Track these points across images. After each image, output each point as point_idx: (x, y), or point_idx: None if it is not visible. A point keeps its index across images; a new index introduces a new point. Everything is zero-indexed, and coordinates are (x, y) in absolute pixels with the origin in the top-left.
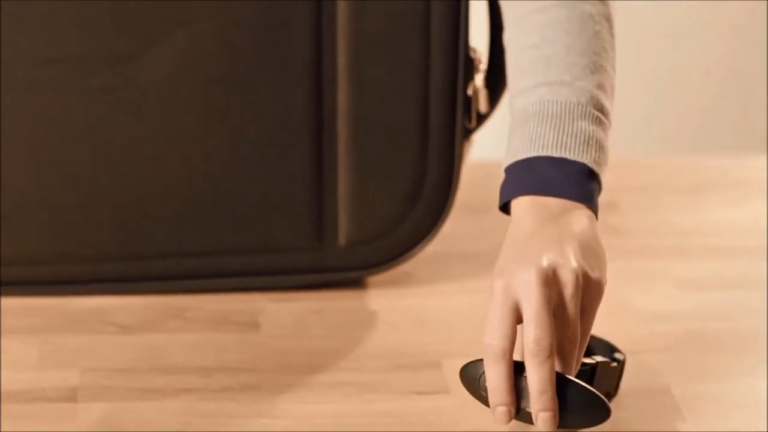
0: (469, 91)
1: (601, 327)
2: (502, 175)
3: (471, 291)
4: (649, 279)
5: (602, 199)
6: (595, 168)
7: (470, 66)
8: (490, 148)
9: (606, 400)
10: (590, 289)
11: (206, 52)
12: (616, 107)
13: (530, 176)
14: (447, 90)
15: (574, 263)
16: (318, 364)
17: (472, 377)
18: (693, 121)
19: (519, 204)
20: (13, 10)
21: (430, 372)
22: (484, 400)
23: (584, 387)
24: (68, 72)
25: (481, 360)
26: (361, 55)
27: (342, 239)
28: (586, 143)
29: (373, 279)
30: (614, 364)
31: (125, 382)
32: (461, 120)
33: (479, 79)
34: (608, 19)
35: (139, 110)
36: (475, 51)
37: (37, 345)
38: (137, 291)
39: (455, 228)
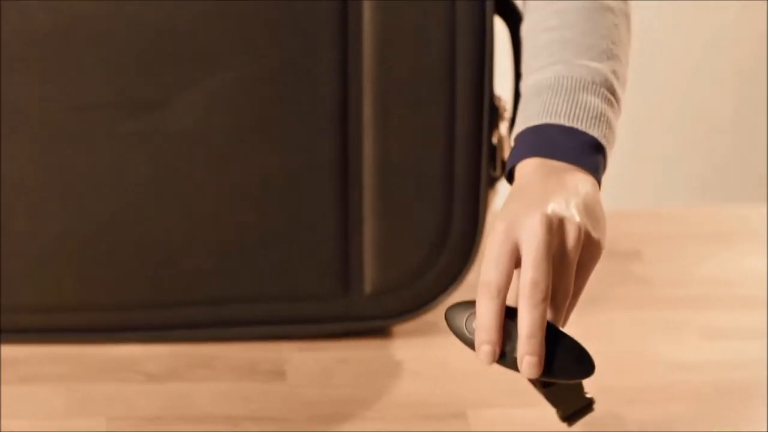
0: (494, 140)
1: (626, 376)
2: (512, 144)
3: None
4: (674, 329)
5: (626, 248)
6: (604, 143)
7: (495, 114)
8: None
9: (592, 357)
10: (590, 248)
11: (233, 99)
12: (638, 155)
13: (539, 140)
14: (472, 138)
15: (578, 218)
16: (343, 414)
17: (459, 318)
18: (716, 169)
19: (525, 165)
20: (41, 56)
21: (455, 422)
22: (469, 342)
23: (572, 340)
24: (95, 119)
25: (470, 301)
26: (387, 104)
27: (368, 288)
28: (597, 119)
29: (398, 328)
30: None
31: (152, 430)
32: (486, 168)
33: (504, 128)
34: (627, 16)
35: (167, 157)
36: (499, 99)
37: (63, 393)
38: (164, 339)
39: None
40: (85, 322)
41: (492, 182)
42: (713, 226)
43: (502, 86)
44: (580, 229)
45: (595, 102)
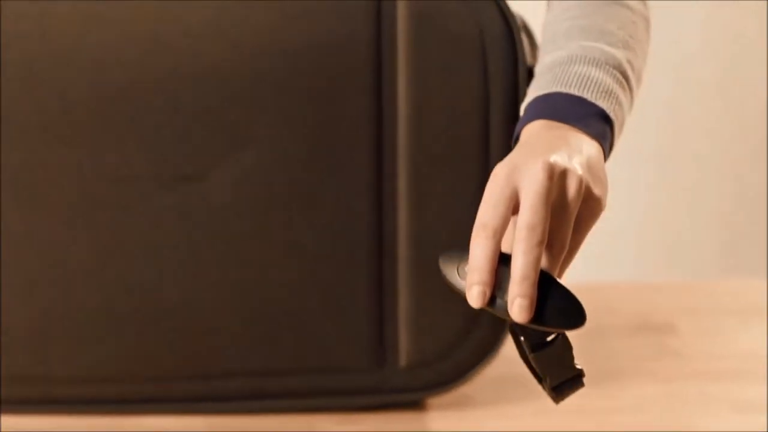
0: None
1: None
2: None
3: (532, 414)
4: (708, 402)
5: (660, 322)
6: (611, 116)
7: None
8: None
9: (584, 308)
10: (589, 203)
11: (269, 173)
12: (673, 229)
13: (547, 106)
14: None
15: (579, 171)
16: None
17: (451, 264)
18: (748, 242)
19: (531, 126)
20: (79, 127)
21: None
22: (460, 288)
23: (566, 289)
24: (133, 190)
25: (464, 250)
26: (421, 177)
27: (402, 360)
28: (606, 93)
29: (433, 400)
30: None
31: None
32: None
33: None
34: (646, 19)
35: (203, 230)
36: None
37: None
38: (198, 411)
39: (515, 349)
40: (121, 393)
41: None
42: (746, 299)
43: None
44: (581, 182)
45: (607, 79)
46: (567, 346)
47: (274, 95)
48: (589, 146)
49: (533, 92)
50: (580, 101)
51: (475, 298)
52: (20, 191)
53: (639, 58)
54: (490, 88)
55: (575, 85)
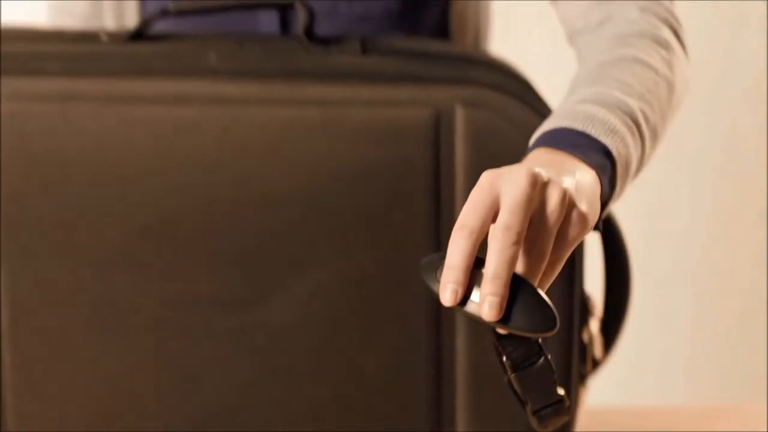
0: (585, 337)
1: None
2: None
3: None
4: None
5: None
6: (614, 153)
7: (585, 313)
8: (607, 393)
9: (557, 313)
10: (573, 217)
11: (329, 298)
12: (689, 352)
13: (551, 137)
14: (563, 336)
15: (565, 184)
16: None
17: (431, 265)
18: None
19: (531, 153)
20: (142, 251)
21: None
22: (435, 286)
23: (540, 294)
24: (196, 314)
25: (443, 252)
26: None
27: None
28: (612, 132)
29: None
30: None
31: None
32: (577, 366)
33: (594, 326)
34: (669, 83)
35: (265, 353)
36: (589, 298)
37: None
38: None
39: None
40: None
41: (582, 379)
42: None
43: (592, 284)
44: (564, 194)
45: (614, 120)
46: (549, 370)
47: (333, 219)
48: (583, 172)
49: (540, 129)
50: (583, 135)
51: (447, 296)
52: (87, 315)
53: (656, 114)
54: None
55: (581, 121)
